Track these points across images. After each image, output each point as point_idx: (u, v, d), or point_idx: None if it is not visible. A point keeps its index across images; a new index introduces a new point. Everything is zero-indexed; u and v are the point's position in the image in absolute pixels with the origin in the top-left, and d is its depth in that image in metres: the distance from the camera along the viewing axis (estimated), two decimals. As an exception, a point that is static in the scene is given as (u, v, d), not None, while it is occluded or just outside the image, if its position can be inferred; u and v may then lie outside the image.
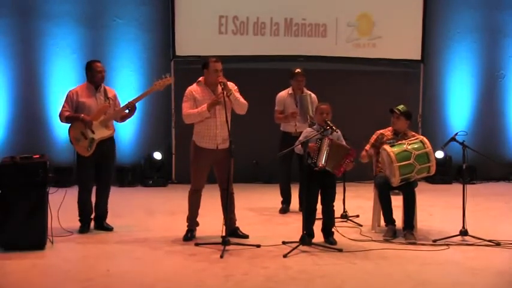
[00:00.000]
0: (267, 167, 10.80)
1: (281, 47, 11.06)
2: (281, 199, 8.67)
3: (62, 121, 7.43)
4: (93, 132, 7.28)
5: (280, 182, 8.72)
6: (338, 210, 7.42)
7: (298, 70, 8.60)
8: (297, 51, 11.02)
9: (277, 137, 8.73)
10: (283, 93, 8.70)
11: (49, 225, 6.71)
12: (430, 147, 7.07)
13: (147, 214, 8.53)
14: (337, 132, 6.89)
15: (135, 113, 7.54)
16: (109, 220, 7.55)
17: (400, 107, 7.45)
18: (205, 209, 7.28)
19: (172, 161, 11.19)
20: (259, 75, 10.97)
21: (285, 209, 8.59)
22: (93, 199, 7.51)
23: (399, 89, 11.25)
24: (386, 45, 11.32)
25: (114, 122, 7.63)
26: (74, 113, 7.31)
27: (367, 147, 7.53)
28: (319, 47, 11.13)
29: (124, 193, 10.06)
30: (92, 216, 7.51)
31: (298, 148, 6.85)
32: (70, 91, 7.43)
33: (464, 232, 7.02)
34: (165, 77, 7.43)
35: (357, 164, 7.15)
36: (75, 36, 10.85)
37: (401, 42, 11.42)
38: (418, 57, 11.49)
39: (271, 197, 9.15)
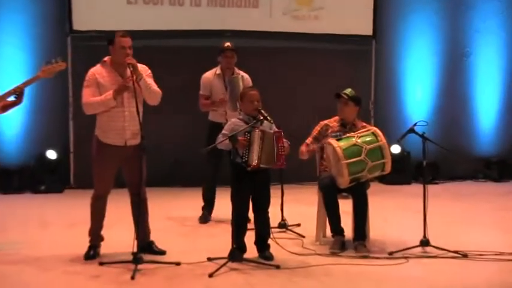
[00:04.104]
0: (188, 167, 10.77)
1: (203, 20, 11.05)
2: (203, 204, 8.70)
3: None
4: None
5: (204, 183, 8.74)
6: (275, 218, 7.45)
7: (227, 44, 8.61)
8: (222, 25, 11.02)
9: (202, 129, 8.69)
10: (209, 74, 8.68)
11: None
12: (384, 141, 7.12)
13: (39, 227, 8.42)
14: (271, 122, 6.88)
15: (23, 102, 7.40)
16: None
17: (348, 90, 7.50)
18: (112, 219, 7.23)
19: (70, 161, 11.13)
20: (176, 54, 10.95)
21: (205, 216, 8.61)
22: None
23: (347, 71, 11.37)
24: (331, 17, 11.42)
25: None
26: None
27: (309, 140, 7.57)
28: (249, 20, 11.16)
29: (9, 201, 9.95)
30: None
31: (224, 143, 6.82)
32: None
33: (425, 242, 7.12)
34: (55, 62, 7.23)
35: (296, 161, 7.20)
36: None
37: (349, 14, 11.54)
38: (369, 33, 11.64)
39: (194, 203, 9.11)
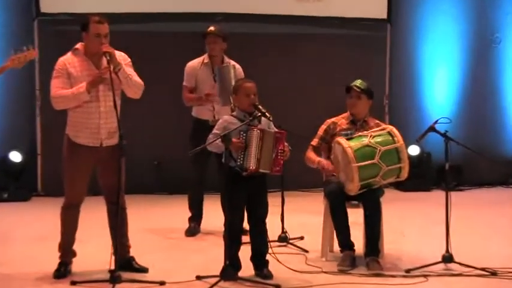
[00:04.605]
0: (172, 170, 10.77)
1: (191, 2, 11.05)
2: (190, 214, 8.72)
3: None
4: None
5: (190, 190, 8.75)
6: (274, 230, 7.46)
7: (210, 29, 8.60)
8: (213, 7, 11.03)
9: (188, 126, 8.71)
10: (194, 63, 8.69)
11: None
12: (402, 142, 7.12)
13: (2, 241, 8.42)
14: (269, 119, 6.84)
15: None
16: None
17: (358, 82, 7.49)
18: (86, 232, 7.22)
19: (38, 165, 11.15)
20: (161, 41, 10.97)
21: (193, 229, 8.62)
22: None
23: (357, 60, 11.37)
24: (340, -2, 11.46)
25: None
26: None
27: (315, 141, 7.58)
28: (245, 2, 11.16)
29: (-33, 211, 9.94)
30: None
31: (215, 145, 6.81)
32: None
33: (448, 258, 7.11)
34: (27, 49, 7.22)
35: (299, 165, 7.20)
36: None
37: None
38: (384, 16, 11.65)
39: (179, 212, 9.13)
